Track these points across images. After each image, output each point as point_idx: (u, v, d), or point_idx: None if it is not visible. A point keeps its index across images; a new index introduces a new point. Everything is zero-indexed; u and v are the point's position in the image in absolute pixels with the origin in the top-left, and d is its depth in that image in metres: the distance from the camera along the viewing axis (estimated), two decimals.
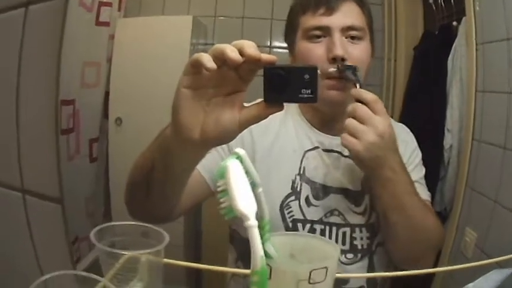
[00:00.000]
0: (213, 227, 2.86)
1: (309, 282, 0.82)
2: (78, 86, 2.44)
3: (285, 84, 0.97)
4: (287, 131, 1.62)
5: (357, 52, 1.51)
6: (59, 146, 1.40)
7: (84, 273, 0.83)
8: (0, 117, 1.33)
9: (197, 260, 2.99)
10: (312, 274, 0.81)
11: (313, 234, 1.03)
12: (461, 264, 1.85)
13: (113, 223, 1.03)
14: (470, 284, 1.23)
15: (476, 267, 1.50)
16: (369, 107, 1.35)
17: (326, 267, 0.83)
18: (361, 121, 1.35)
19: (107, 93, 2.79)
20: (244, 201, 0.71)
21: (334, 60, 1.47)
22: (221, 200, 0.74)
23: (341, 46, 1.47)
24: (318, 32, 1.51)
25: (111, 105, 2.80)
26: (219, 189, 0.75)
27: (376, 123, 1.34)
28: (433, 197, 1.77)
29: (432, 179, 1.71)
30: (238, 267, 1.72)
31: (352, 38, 1.52)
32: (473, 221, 2.26)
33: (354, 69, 1.45)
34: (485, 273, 1.26)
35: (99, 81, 2.67)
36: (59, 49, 1.38)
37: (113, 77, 2.79)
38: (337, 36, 1.49)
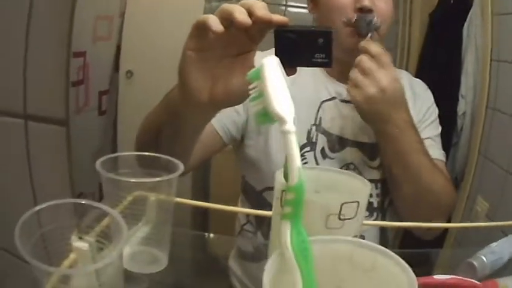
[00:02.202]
0: (222, 183, 2.85)
1: (339, 218, 0.78)
2: (89, 39, 2.40)
3: (297, 48, 0.94)
4: (304, 80, 1.58)
5: (382, 4, 1.49)
6: (69, 68, 1.38)
7: (85, 201, 0.77)
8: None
9: (205, 216, 2.98)
10: (342, 208, 0.77)
11: (339, 169, 0.99)
12: (471, 234, 1.84)
13: (120, 153, 1.00)
14: (493, 243, 1.22)
15: (485, 236, 1.49)
16: (374, 60, 1.35)
17: (358, 202, 0.79)
18: (364, 73, 1.35)
19: (118, 47, 2.76)
20: (282, 103, 0.65)
21: (360, 10, 1.44)
22: (253, 103, 0.69)
23: None
24: None
25: (122, 58, 2.76)
26: (251, 92, 0.70)
27: (378, 76, 1.34)
28: None
29: (444, 145, 1.69)
30: (249, 221, 1.70)
31: None
32: (484, 190, 2.24)
33: (368, 21, 1.44)
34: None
35: (111, 35, 2.64)
36: (72, 2, 1.36)
37: (125, 30, 2.75)
38: None
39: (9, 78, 1.35)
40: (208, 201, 3.17)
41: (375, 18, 1.44)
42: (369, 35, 1.43)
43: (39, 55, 1.35)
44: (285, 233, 0.61)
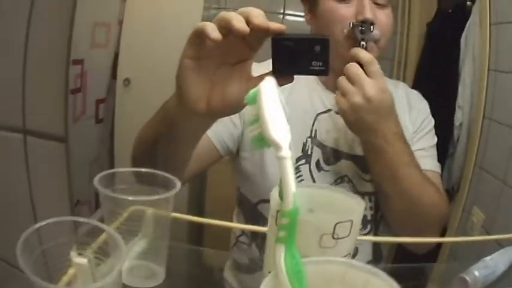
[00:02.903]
0: (218, 195, 2.86)
1: (333, 237, 0.78)
2: (87, 46, 2.41)
3: (294, 56, 0.94)
4: (299, 92, 1.59)
5: (384, 17, 1.49)
6: (68, 78, 1.38)
7: (84, 219, 0.79)
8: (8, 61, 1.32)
9: (200, 227, 2.98)
10: (336, 228, 0.78)
11: (333, 187, 0.99)
12: (466, 245, 1.84)
13: (118, 169, 1.00)
14: (487, 258, 1.22)
15: (481, 247, 1.49)
16: (364, 69, 1.34)
17: (351, 221, 0.79)
18: (351, 81, 1.34)
19: (116, 55, 2.76)
20: (278, 128, 0.65)
21: (362, 23, 1.44)
22: (250, 128, 0.70)
23: (370, 9, 1.44)
24: None
25: (119, 66, 2.77)
26: (249, 116, 0.71)
27: (365, 85, 1.32)
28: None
29: (441, 156, 1.68)
30: (244, 233, 1.70)
31: (377, 4, 1.49)
32: (480, 201, 2.25)
33: (363, 28, 1.44)
34: (490, 254, 1.25)
35: (109, 42, 2.64)
36: (72, 9, 1.37)
37: (123, 37, 2.75)
38: None
39: (8, 93, 1.36)
40: (203, 215, 3.19)
41: (375, 30, 1.45)
42: (363, 43, 1.42)
43: (38, 70, 1.36)
44: (279, 256, 0.61)
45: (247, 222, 1.69)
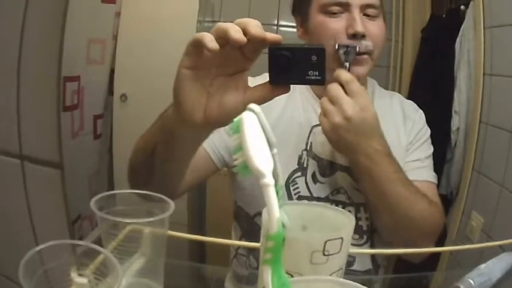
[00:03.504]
0: (218, 205, 2.86)
1: (324, 254, 0.79)
2: (83, 63, 2.41)
3: (291, 66, 0.95)
4: (294, 104, 1.60)
5: (375, 29, 1.50)
6: (59, 98, 1.39)
7: (82, 242, 0.80)
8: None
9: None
10: (326, 245, 0.79)
11: (325, 204, 1.00)
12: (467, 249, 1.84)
13: (114, 191, 1.00)
14: (482, 265, 1.22)
15: (481, 251, 1.49)
16: (344, 88, 1.35)
17: (341, 238, 0.80)
18: (331, 101, 1.35)
19: (112, 70, 2.76)
20: (260, 157, 0.66)
21: (353, 36, 1.45)
22: (235, 156, 0.71)
23: (361, 22, 1.45)
24: (336, 8, 1.49)
25: (116, 82, 2.76)
26: (233, 143, 0.71)
27: (343, 105, 1.33)
28: (439, 179, 1.74)
29: (439, 162, 1.69)
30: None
31: (368, 15, 1.50)
32: (479, 205, 2.24)
33: (346, 49, 1.45)
34: (491, 258, 1.25)
35: (104, 58, 2.64)
36: (62, 26, 1.37)
37: (118, 53, 2.75)
38: (356, 12, 1.46)
39: (4, 118, 1.36)
40: (204, 224, 3.19)
41: (368, 42, 1.46)
42: (346, 64, 1.43)
43: (30, 94, 1.36)
44: (266, 278, 0.62)
45: (244, 234, 1.69)
